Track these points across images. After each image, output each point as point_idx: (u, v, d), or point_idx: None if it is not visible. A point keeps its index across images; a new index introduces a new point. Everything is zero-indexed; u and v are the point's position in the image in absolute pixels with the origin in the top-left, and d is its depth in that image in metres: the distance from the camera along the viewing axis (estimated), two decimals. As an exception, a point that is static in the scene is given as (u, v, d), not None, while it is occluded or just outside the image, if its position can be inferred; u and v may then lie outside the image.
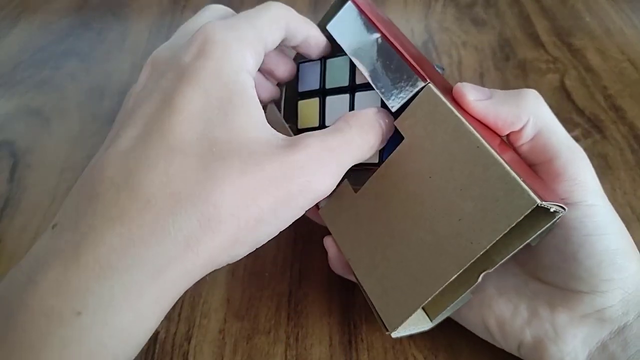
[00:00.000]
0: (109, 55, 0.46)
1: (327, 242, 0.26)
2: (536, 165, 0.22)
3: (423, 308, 0.24)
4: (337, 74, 0.25)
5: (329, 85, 0.25)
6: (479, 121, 0.21)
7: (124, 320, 0.15)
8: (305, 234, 0.31)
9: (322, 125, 0.26)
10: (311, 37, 0.24)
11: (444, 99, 0.20)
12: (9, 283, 0.16)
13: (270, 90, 0.27)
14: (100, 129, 0.39)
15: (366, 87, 0.24)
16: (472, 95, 0.21)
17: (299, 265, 0.30)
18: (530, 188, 0.18)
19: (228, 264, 0.18)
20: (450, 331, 0.26)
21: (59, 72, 0.44)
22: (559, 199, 0.21)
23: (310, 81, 0.26)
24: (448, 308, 0.23)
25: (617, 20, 0.48)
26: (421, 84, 0.21)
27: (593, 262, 0.20)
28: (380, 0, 0.52)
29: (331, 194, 0.25)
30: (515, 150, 0.22)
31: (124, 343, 0.15)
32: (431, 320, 0.24)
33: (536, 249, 0.22)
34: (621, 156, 0.35)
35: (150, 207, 0.16)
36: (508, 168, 0.18)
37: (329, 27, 0.25)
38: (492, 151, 0.19)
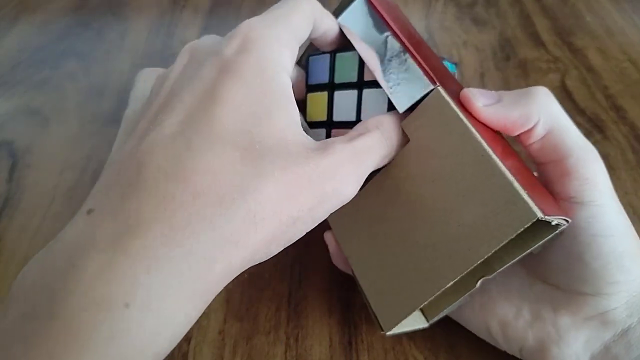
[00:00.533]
0: (108, 55, 0.46)
1: (328, 236, 0.26)
2: (546, 164, 0.22)
3: (420, 308, 0.24)
4: (346, 69, 0.25)
5: (337, 80, 0.25)
6: (486, 126, 0.21)
7: (171, 313, 0.15)
8: (305, 235, 0.31)
9: (329, 120, 0.26)
10: (330, 31, 0.24)
11: (452, 103, 0.20)
12: (41, 267, 0.15)
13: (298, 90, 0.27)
14: (100, 129, 0.39)
15: (374, 84, 0.23)
16: (480, 101, 0.21)
17: (299, 266, 0.30)
18: (533, 200, 0.18)
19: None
20: (450, 332, 0.26)
21: (58, 72, 0.44)
22: (561, 210, 0.21)
23: (320, 75, 0.26)
24: (445, 310, 0.23)
25: (618, 19, 0.48)
26: (430, 87, 0.21)
27: (599, 263, 0.20)
28: (380, -1, 0.52)
29: None
30: (518, 156, 0.22)
31: (170, 335, 0.15)
32: (427, 321, 0.24)
33: (535, 249, 0.22)
34: (622, 156, 0.35)
35: (198, 199, 0.15)
36: (511, 178, 0.18)
37: (340, 20, 0.25)
38: (497, 160, 0.19)
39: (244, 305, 0.28)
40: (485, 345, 0.24)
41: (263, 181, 0.17)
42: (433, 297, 0.20)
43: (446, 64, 0.25)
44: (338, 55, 0.25)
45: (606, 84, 0.41)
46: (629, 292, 0.20)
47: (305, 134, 0.19)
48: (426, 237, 0.21)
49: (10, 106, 0.41)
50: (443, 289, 0.20)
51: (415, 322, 0.24)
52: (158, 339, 0.15)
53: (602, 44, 0.45)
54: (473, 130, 0.19)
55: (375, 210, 0.23)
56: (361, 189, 0.23)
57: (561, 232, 0.21)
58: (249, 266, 0.18)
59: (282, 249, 0.19)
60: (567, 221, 0.19)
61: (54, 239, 0.16)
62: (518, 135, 0.22)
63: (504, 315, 0.23)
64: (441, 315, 0.24)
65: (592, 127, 0.38)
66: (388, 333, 0.22)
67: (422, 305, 0.21)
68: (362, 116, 0.24)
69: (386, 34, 0.23)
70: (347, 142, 0.20)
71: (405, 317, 0.22)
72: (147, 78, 0.24)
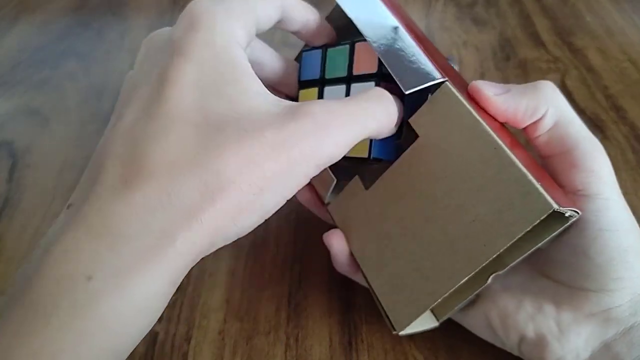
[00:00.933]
0: (108, 55, 0.46)
1: (328, 239, 0.25)
2: (553, 157, 0.22)
3: (430, 308, 0.23)
4: (336, 64, 0.24)
5: (328, 75, 0.25)
6: (492, 118, 0.21)
7: (135, 286, 0.15)
8: (305, 235, 0.31)
9: None
10: (311, 22, 0.24)
11: (461, 97, 0.20)
12: (29, 259, 0.17)
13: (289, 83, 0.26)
14: (100, 128, 0.39)
15: (362, 78, 0.23)
16: (490, 90, 0.21)
17: (299, 266, 0.30)
18: (547, 192, 0.18)
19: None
20: (450, 332, 0.26)
21: (58, 72, 0.44)
22: (570, 202, 0.20)
23: (311, 70, 0.26)
24: (456, 308, 0.23)
25: (618, 19, 0.48)
26: (439, 78, 0.20)
27: (604, 258, 0.20)
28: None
29: (341, 190, 0.25)
30: (525, 149, 0.22)
31: (136, 311, 0.15)
32: (437, 320, 0.24)
33: (545, 243, 0.22)
34: (622, 156, 0.35)
35: (153, 177, 0.16)
36: (525, 170, 0.18)
37: (340, 1, 0.24)
38: (510, 153, 0.19)
39: (244, 305, 0.28)
40: (486, 345, 0.24)
41: (216, 152, 0.17)
42: (447, 294, 0.20)
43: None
44: (330, 50, 0.25)
45: (606, 84, 0.41)
46: (632, 289, 0.20)
47: (275, 98, 0.19)
48: (439, 234, 0.20)
49: (10, 106, 0.41)
50: (457, 285, 0.20)
51: (425, 322, 0.24)
52: (124, 315, 0.15)
53: (602, 44, 0.45)
54: (484, 123, 0.19)
55: (386, 208, 0.23)
56: (371, 186, 0.23)
57: (570, 226, 0.20)
58: (222, 243, 0.18)
59: (258, 222, 0.18)
60: (577, 213, 0.19)
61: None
62: (525, 128, 0.22)
63: (504, 307, 0.23)
64: (451, 313, 0.23)
65: (592, 127, 0.37)
66: (401, 333, 0.22)
67: (435, 303, 0.21)
68: None
69: (392, 20, 0.22)
70: (328, 103, 0.19)
71: (419, 315, 0.21)
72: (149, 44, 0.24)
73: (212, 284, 0.29)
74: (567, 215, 0.19)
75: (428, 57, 0.21)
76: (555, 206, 0.17)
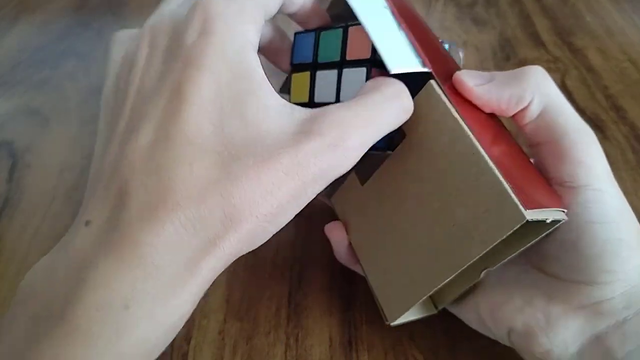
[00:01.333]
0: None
1: (328, 230, 0.26)
2: (541, 145, 0.21)
3: (430, 297, 0.24)
4: (329, 48, 0.24)
5: (321, 59, 0.24)
6: (479, 110, 0.21)
7: (166, 312, 0.16)
8: (305, 235, 0.31)
9: (311, 102, 0.25)
10: (307, 4, 0.24)
11: (444, 97, 0.20)
12: (49, 274, 0.17)
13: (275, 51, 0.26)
14: (100, 128, 0.39)
15: (354, 64, 0.23)
16: (472, 81, 0.21)
17: (299, 266, 0.30)
18: (524, 195, 0.17)
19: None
20: (450, 332, 0.26)
21: (58, 72, 0.44)
22: (557, 199, 0.20)
23: (304, 53, 0.25)
24: (451, 299, 0.23)
25: (618, 19, 0.48)
26: (424, 69, 0.20)
27: (594, 251, 0.19)
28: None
29: (340, 184, 0.26)
30: (513, 142, 0.22)
31: (168, 331, 0.17)
32: (436, 309, 0.25)
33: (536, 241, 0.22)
34: (622, 156, 0.35)
35: (179, 209, 0.16)
36: (501, 178, 0.18)
37: None
38: (487, 159, 0.18)
39: (244, 305, 0.28)
40: (485, 345, 0.24)
41: (236, 185, 0.17)
42: (432, 292, 0.21)
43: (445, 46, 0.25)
44: (323, 33, 0.24)
45: (606, 84, 0.41)
46: (626, 282, 0.19)
47: (288, 110, 0.19)
48: (424, 235, 0.21)
49: (10, 106, 0.41)
50: (439, 286, 0.20)
51: (421, 311, 0.24)
52: (156, 338, 0.16)
53: (602, 44, 0.45)
54: (465, 127, 0.19)
55: (379, 204, 0.23)
56: (366, 183, 0.24)
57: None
58: (234, 259, 0.18)
59: (267, 239, 0.19)
60: (563, 212, 0.19)
61: (56, 246, 0.18)
62: (514, 116, 0.22)
63: (494, 299, 0.23)
64: (447, 303, 0.24)
65: (592, 127, 0.37)
66: (392, 324, 0.23)
67: (422, 299, 0.21)
68: (342, 97, 0.23)
69: (386, 8, 0.22)
70: (342, 115, 0.18)
71: (408, 309, 0.22)
72: (120, 48, 0.23)
73: (212, 283, 0.29)
74: (549, 221, 0.19)
75: (417, 46, 0.21)
76: (528, 217, 0.17)
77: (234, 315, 0.27)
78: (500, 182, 0.18)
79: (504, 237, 0.18)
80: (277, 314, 0.27)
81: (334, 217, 0.27)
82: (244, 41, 0.19)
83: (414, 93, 0.21)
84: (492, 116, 0.22)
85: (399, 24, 0.22)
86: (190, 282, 0.17)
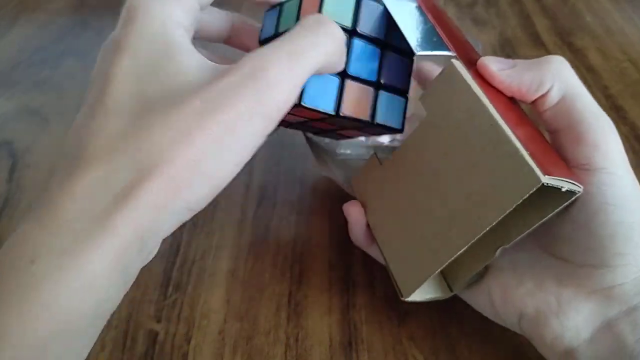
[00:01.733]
0: (108, 55, 0.46)
1: (347, 208, 0.26)
2: (559, 131, 0.22)
3: (445, 279, 0.25)
4: (288, 17, 0.24)
5: (280, 29, 0.24)
6: (501, 94, 0.22)
7: (77, 267, 0.16)
8: (305, 235, 0.31)
9: None
10: None
11: (464, 76, 0.21)
12: None
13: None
14: (100, 128, 0.39)
15: None
16: (495, 65, 0.22)
17: (298, 266, 0.30)
18: (540, 165, 0.18)
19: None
20: (450, 332, 0.26)
21: (58, 71, 0.44)
22: (573, 176, 0.20)
23: (269, 29, 0.25)
24: (466, 279, 0.24)
25: (618, 19, 0.48)
26: (450, 55, 0.21)
27: (606, 232, 0.20)
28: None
29: (362, 165, 0.27)
30: (533, 125, 0.22)
31: (82, 292, 0.16)
32: (451, 290, 0.25)
33: (550, 219, 0.21)
34: (622, 156, 0.35)
35: (91, 165, 0.17)
36: (519, 145, 0.18)
37: None
38: (506, 128, 0.19)
39: (244, 305, 0.28)
40: (486, 345, 0.24)
41: (147, 131, 0.17)
42: (446, 264, 0.21)
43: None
44: (284, 4, 0.24)
45: (606, 84, 0.41)
46: (638, 267, 0.19)
47: (212, 65, 0.18)
48: (441, 205, 0.21)
49: (10, 106, 0.41)
50: (455, 256, 0.21)
51: (435, 290, 0.25)
52: (68, 296, 0.15)
53: (602, 44, 0.45)
54: (484, 99, 0.20)
55: (397, 182, 0.24)
56: (385, 162, 0.25)
57: (574, 201, 0.20)
58: (177, 223, 0.18)
59: (211, 193, 0.18)
60: (579, 187, 0.19)
61: None
62: (532, 103, 0.22)
63: (506, 283, 0.23)
64: (462, 285, 0.24)
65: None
66: (407, 299, 0.23)
67: (436, 272, 0.22)
68: None
69: (414, 3, 0.24)
70: (261, 50, 0.18)
71: (422, 283, 0.22)
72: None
73: (212, 284, 0.29)
74: (564, 189, 0.19)
75: (442, 34, 0.22)
76: (544, 180, 0.17)
77: (234, 315, 0.27)
78: (518, 149, 0.18)
79: (520, 201, 0.18)
80: (277, 314, 0.27)
81: (334, 217, 0.27)
82: (165, 20, 0.19)
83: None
84: (515, 103, 0.23)
85: (425, 15, 0.23)
86: (103, 236, 0.16)
